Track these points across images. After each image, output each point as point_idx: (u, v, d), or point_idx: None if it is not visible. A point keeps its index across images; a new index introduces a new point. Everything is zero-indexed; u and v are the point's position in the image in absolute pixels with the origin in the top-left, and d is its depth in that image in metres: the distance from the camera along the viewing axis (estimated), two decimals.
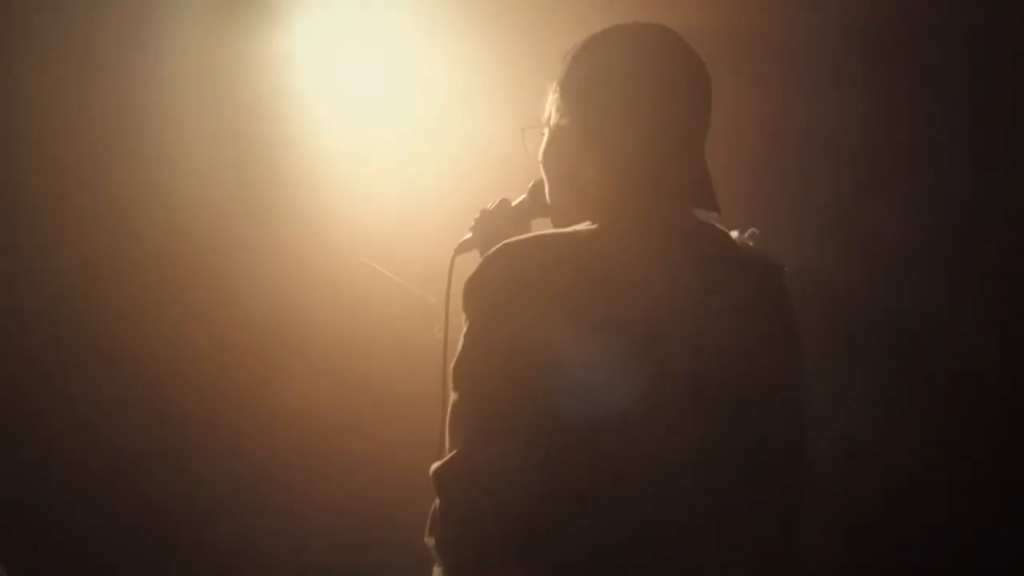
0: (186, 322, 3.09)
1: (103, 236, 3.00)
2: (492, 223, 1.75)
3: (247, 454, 2.97)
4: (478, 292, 1.42)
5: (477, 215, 1.79)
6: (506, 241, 1.44)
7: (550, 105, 1.57)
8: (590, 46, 1.55)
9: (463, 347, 1.41)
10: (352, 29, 3.01)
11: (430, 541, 1.39)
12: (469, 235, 1.79)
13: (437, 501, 1.39)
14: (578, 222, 1.49)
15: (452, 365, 1.42)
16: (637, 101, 1.49)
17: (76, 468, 2.87)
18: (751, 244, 1.53)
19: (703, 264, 1.46)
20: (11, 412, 2.92)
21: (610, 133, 1.49)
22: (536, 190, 1.71)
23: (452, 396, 1.41)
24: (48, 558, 2.80)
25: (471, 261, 1.56)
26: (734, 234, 1.56)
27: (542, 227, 1.61)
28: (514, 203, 1.78)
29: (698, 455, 1.38)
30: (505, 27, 3.01)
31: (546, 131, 1.58)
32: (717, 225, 1.55)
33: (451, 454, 1.38)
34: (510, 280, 1.40)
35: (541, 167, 1.59)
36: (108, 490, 2.89)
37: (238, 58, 2.97)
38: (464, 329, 1.42)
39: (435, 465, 1.39)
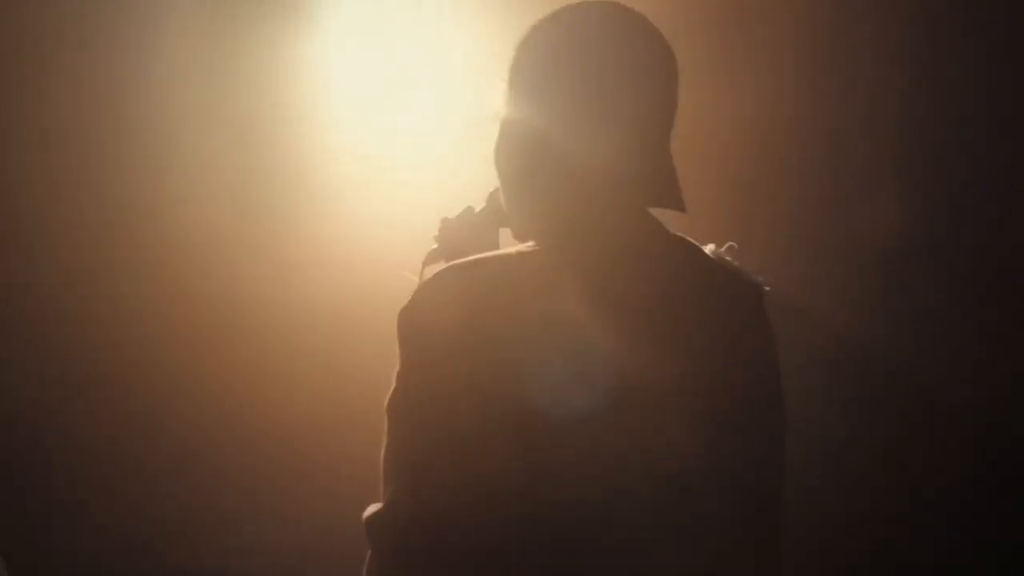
0: (187, 323, 3.08)
1: (103, 236, 2.98)
2: (456, 233, 1.61)
3: (244, 455, 2.95)
4: (408, 325, 1.30)
5: (440, 224, 1.65)
6: (443, 268, 1.33)
7: (500, 97, 1.40)
8: (538, 27, 1.37)
9: (396, 383, 1.30)
10: (361, 29, 2.97)
11: None
12: (435, 245, 1.65)
13: (369, 552, 1.29)
14: (536, 232, 1.35)
15: (386, 401, 1.30)
16: (590, 87, 1.32)
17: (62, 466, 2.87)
18: (729, 259, 1.42)
19: (669, 284, 1.34)
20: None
21: (560, 125, 1.33)
22: (494, 196, 1.56)
23: (385, 436, 1.29)
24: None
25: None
26: (709, 248, 1.42)
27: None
28: (478, 210, 1.63)
29: (657, 514, 1.28)
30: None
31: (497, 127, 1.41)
32: (688, 239, 1.41)
33: (384, 501, 1.28)
34: (442, 315, 1.28)
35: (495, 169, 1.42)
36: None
37: (239, 58, 2.95)
38: (398, 363, 1.30)
39: (368, 512, 1.29)
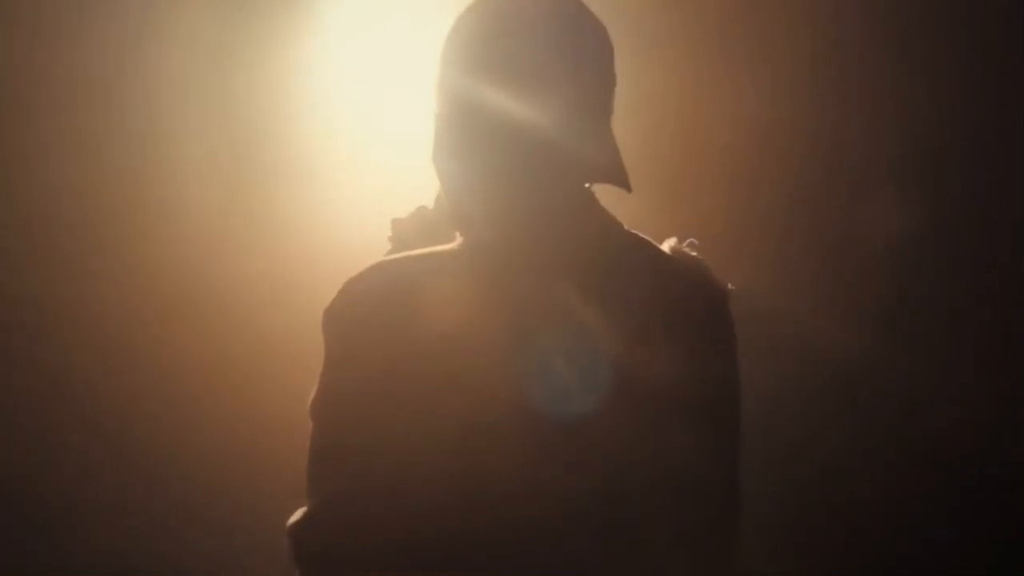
0: (188, 324, 3.07)
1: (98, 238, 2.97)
2: (407, 235, 1.55)
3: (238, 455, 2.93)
4: (334, 323, 1.25)
5: (392, 225, 1.59)
6: (368, 266, 1.28)
7: (433, 88, 1.35)
8: (460, 16, 1.33)
9: (319, 383, 1.26)
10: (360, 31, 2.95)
11: None
12: (390, 247, 1.58)
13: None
14: (475, 221, 1.29)
15: (309, 401, 1.26)
16: (523, 67, 1.26)
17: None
18: (691, 255, 1.36)
19: (610, 281, 1.27)
20: None
21: (494, 109, 1.27)
22: (440, 196, 1.50)
23: (309, 438, 1.25)
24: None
25: None
26: (670, 242, 1.35)
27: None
28: (432, 210, 1.57)
29: (598, 510, 1.23)
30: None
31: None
32: (641, 234, 1.34)
33: (309, 506, 1.23)
34: (363, 314, 1.24)
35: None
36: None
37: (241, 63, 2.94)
38: (323, 361, 1.26)
39: (292, 519, 1.24)
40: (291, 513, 1.26)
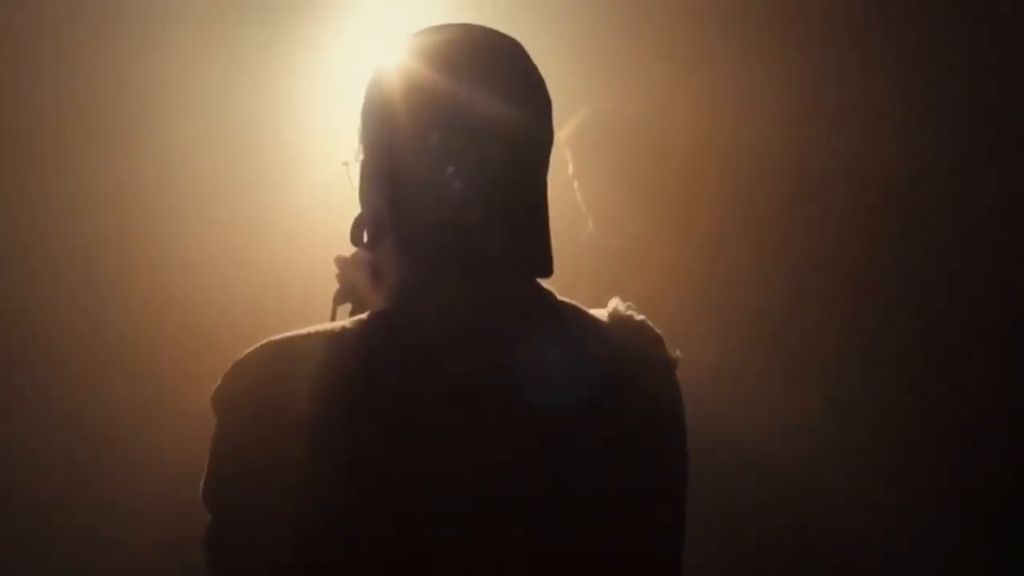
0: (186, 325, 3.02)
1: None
2: (351, 272, 1.49)
3: None
4: (218, 404, 1.21)
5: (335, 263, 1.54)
6: (259, 344, 1.22)
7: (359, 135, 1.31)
8: (382, 59, 1.26)
9: (207, 466, 1.21)
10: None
11: None
12: (338, 286, 1.54)
13: None
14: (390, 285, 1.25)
15: (201, 486, 1.22)
16: (433, 124, 1.18)
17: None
18: (635, 320, 1.25)
19: (537, 370, 1.17)
20: None
21: (400, 171, 1.20)
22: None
23: (207, 525, 1.21)
24: None
25: None
26: (608, 308, 1.26)
27: None
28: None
29: None
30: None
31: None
32: (577, 305, 1.24)
33: None
34: (243, 395, 1.19)
35: None
36: None
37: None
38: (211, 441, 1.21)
39: None
40: None
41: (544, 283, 1.28)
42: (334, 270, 1.54)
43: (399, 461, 1.13)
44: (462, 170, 1.19)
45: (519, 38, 1.29)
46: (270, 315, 2.92)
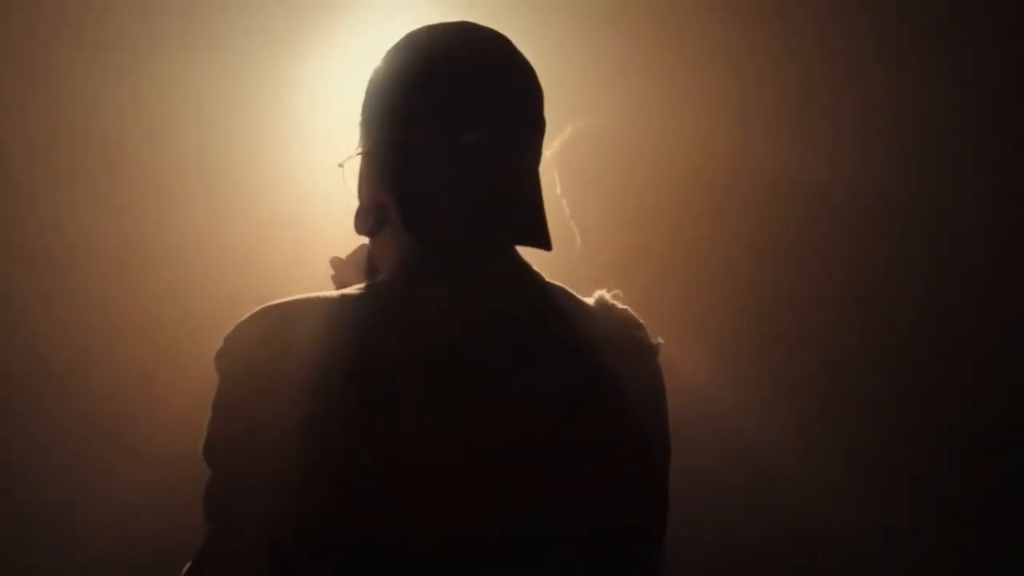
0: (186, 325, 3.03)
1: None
2: (347, 271, 1.54)
3: None
4: (219, 365, 1.24)
5: (331, 263, 1.60)
6: (255, 310, 1.25)
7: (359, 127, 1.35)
8: (384, 56, 1.31)
9: (209, 424, 1.24)
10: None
11: None
12: (335, 286, 1.58)
13: None
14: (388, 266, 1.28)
15: (201, 444, 1.24)
16: (430, 116, 1.23)
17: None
18: (619, 308, 1.28)
19: (527, 343, 1.21)
20: None
21: (397, 159, 1.25)
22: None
23: (206, 481, 1.24)
24: None
25: None
26: (597, 294, 1.29)
27: None
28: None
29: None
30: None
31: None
32: (565, 287, 1.28)
33: (200, 549, 1.21)
34: (247, 356, 1.22)
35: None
36: None
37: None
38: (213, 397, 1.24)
39: (188, 566, 1.22)
40: None
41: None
42: (330, 271, 1.56)
43: (393, 424, 1.16)
44: (465, 156, 1.23)
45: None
46: None
